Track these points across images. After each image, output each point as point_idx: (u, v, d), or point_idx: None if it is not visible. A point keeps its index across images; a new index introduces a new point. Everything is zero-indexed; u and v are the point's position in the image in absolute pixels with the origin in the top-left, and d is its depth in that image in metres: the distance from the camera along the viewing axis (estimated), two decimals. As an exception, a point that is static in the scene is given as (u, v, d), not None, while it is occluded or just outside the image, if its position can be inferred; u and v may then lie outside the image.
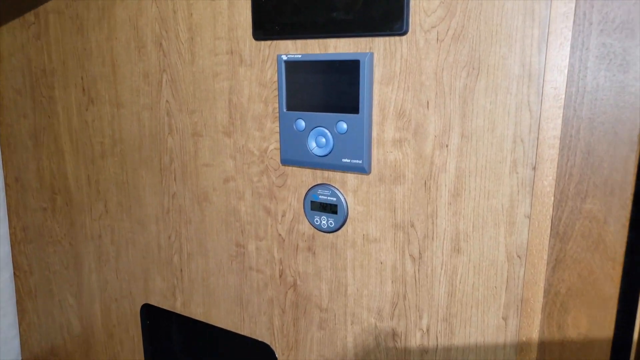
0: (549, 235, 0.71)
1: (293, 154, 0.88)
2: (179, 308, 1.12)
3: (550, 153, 0.68)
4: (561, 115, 0.67)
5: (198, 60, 0.96)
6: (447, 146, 0.76)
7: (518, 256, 0.74)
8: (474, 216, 0.76)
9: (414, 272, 0.82)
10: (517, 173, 0.71)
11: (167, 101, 1.02)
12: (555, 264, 0.72)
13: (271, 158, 0.92)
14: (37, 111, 1.23)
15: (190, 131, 1.00)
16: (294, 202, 0.92)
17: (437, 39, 0.73)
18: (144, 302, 1.18)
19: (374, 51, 0.78)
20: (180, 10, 0.96)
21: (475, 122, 0.73)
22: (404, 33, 0.75)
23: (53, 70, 1.17)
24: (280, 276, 0.96)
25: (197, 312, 1.10)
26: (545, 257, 0.72)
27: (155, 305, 1.16)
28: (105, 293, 1.25)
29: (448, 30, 0.72)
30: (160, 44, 1.00)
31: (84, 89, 1.13)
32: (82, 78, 1.13)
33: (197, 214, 1.04)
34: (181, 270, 1.10)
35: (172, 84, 1.00)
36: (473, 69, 0.72)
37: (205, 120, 0.98)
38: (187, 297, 1.10)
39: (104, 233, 1.21)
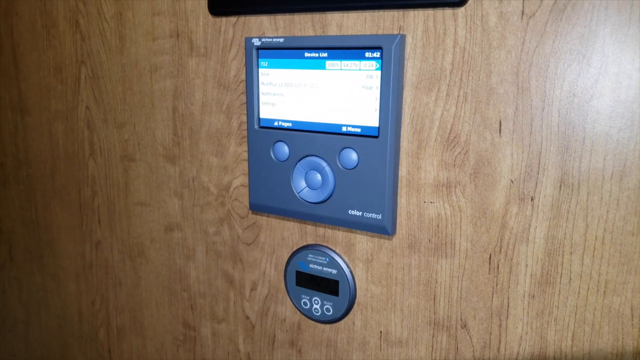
0: None
1: (269, 197, 0.55)
2: (106, 401, 0.79)
3: None
4: None
5: (129, 47, 0.63)
6: (532, 199, 0.44)
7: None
8: (575, 322, 0.44)
9: (464, 400, 0.50)
10: (667, 255, 0.40)
11: (87, 107, 0.69)
12: None
13: (236, 199, 0.59)
14: None
15: (119, 153, 0.67)
16: (270, 270, 0.59)
17: (523, 13, 0.41)
18: (62, 386, 0.84)
19: (407, 33, 0.46)
20: (102, -30, 0.63)
21: (589, 161, 0.41)
22: (462, 2, 0.43)
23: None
24: (248, 376, 0.63)
25: (130, 410, 0.76)
26: None
27: (77, 392, 0.83)
28: (13, 367, 0.91)
29: (545, -5, 0.40)
30: (77, 22, 0.67)
31: (-22, 87, 0.80)
32: (-26, 71, 0.80)
33: (129, 273, 0.71)
34: (109, 350, 0.76)
35: (94, 81, 0.67)
36: (589, 65, 0.40)
37: (139, 138, 0.65)
38: (117, 387, 0.77)
39: (8, 288, 0.87)
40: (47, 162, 0.75)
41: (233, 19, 0.55)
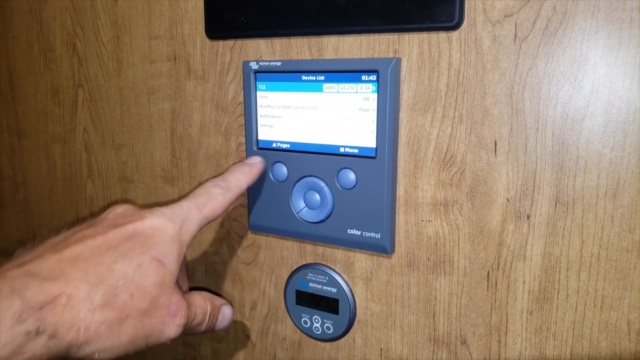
0: None
1: (268, 217, 0.56)
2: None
3: None
4: None
5: (126, 71, 0.64)
6: (528, 217, 0.44)
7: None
8: (573, 337, 0.44)
9: (465, 416, 0.50)
10: (661, 270, 0.41)
11: (84, 130, 0.69)
12: None
13: (234, 219, 0.60)
14: None
15: (117, 174, 0.68)
16: (270, 289, 0.59)
17: (516, 36, 0.42)
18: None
19: (402, 56, 0.47)
20: (100, -5, 0.64)
21: (583, 180, 0.42)
22: (456, 26, 0.44)
23: None
24: (249, 396, 0.63)
25: None
26: None
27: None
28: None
29: (536, 19, 0.42)
30: (74, 45, 0.67)
31: (-26, 110, 0.80)
32: (-30, 94, 0.80)
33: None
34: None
35: (92, 104, 0.68)
36: (581, 87, 0.41)
37: (137, 160, 0.65)
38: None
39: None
40: (45, 185, 0.75)
41: (230, 42, 0.56)
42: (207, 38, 0.57)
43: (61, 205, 0.74)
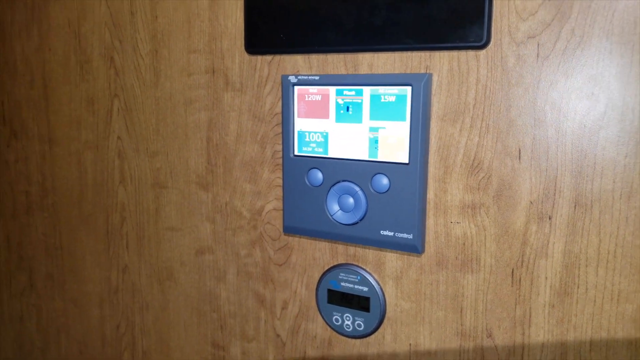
0: None
1: (303, 219, 0.59)
2: None
3: None
4: None
5: (164, 82, 0.68)
6: (550, 218, 0.49)
7: (669, 395, 0.47)
8: (592, 328, 0.49)
9: (490, 405, 0.54)
10: (671, 265, 0.45)
11: (118, 138, 0.73)
12: None
13: (268, 223, 0.64)
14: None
15: (150, 181, 0.71)
16: (301, 289, 0.63)
17: (538, 55, 0.47)
18: (80, 412, 0.85)
19: (433, 71, 0.52)
20: (140, 11, 0.68)
21: (600, 184, 0.47)
22: (483, 46, 0.49)
23: (-36, 92, 0.86)
24: (276, 393, 0.66)
25: None
26: None
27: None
28: (27, 395, 0.91)
29: (557, 41, 0.47)
30: (112, 58, 0.71)
31: (4, 118, 0.83)
32: (1, 103, 0.83)
33: (156, 296, 0.74)
34: (133, 372, 0.78)
35: (127, 114, 0.71)
36: (597, 102, 0.46)
37: (171, 166, 0.69)
38: (140, 410, 0.79)
39: (27, 315, 0.88)
40: (74, 190, 0.78)
41: (268, 57, 0.60)
42: (245, 53, 0.61)
43: (90, 210, 0.77)
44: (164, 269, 0.72)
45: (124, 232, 0.75)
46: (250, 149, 0.63)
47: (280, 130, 0.60)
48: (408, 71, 0.53)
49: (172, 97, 0.67)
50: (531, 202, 0.50)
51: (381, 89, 0.53)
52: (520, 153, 0.49)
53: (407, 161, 0.53)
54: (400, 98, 0.52)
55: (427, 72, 0.52)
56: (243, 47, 0.61)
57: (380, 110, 0.53)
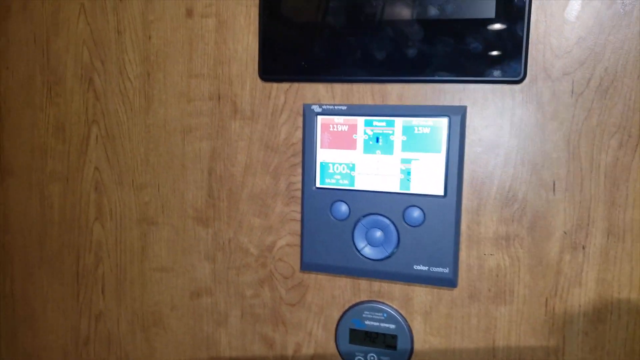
0: None
1: (325, 255, 0.56)
2: None
3: None
4: None
5: (157, 108, 0.61)
6: (583, 248, 0.51)
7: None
8: (625, 353, 0.51)
9: None
10: (698, 289, 0.49)
11: (96, 168, 0.65)
12: None
13: (280, 260, 0.59)
14: None
15: (135, 216, 0.64)
16: (317, 330, 0.59)
17: (572, 92, 0.49)
18: None
19: (468, 104, 0.52)
20: (130, 30, 0.61)
21: (632, 214, 0.49)
22: (520, 80, 0.50)
23: None
24: None
25: None
26: None
27: None
28: None
29: (590, 79, 0.49)
30: (91, 79, 0.64)
31: (-59, 146, 0.71)
32: (-61, 128, 0.71)
33: (139, 345, 0.66)
34: None
35: (108, 141, 0.64)
36: (629, 137, 0.49)
37: (163, 200, 0.62)
38: None
39: (-39, 376, 0.74)
40: (34, 228, 0.68)
41: (286, 85, 0.57)
42: (258, 79, 0.57)
43: (55, 251, 0.67)
44: (149, 314, 0.65)
45: (99, 274, 0.66)
46: (261, 180, 0.59)
47: (296, 161, 0.57)
48: (440, 103, 0.53)
49: (166, 125, 0.61)
50: (565, 233, 0.51)
51: (414, 120, 0.52)
52: (554, 185, 0.51)
53: (442, 193, 0.52)
54: (435, 130, 0.52)
55: (461, 104, 0.52)
56: (255, 73, 0.57)
57: (413, 141, 0.52)
